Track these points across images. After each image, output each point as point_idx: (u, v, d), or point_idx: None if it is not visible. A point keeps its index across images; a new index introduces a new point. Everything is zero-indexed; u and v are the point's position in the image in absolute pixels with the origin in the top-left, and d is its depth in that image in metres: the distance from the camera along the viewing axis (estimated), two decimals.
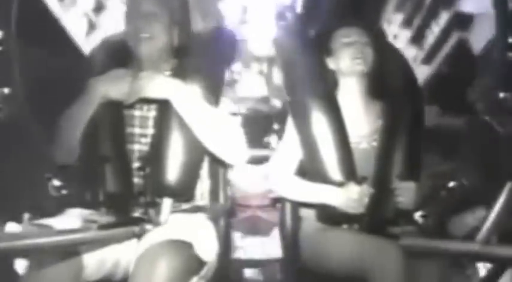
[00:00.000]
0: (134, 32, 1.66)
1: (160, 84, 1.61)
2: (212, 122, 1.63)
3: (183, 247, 1.49)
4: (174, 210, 1.64)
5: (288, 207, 1.96)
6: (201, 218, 1.72)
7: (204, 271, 1.59)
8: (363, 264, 1.57)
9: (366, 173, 1.79)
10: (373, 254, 1.57)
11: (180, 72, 1.68)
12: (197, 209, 1.72)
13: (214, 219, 1.80)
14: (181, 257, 1.47)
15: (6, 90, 2.21)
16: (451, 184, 2.43)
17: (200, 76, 1.68)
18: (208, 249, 1.61)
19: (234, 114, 1.76)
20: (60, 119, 1.68)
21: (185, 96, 1.62)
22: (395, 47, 2.05)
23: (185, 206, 1.71)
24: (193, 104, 1.62)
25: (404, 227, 1.79)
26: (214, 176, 1.82)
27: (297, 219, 1.95)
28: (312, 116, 1.82)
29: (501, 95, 2.27)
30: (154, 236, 1.53)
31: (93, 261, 1.49)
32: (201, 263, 1.57)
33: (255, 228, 2.73)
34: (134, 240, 1.60)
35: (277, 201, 2.00)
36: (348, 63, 1.86)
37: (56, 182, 2.31)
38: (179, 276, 1.43)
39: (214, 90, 1.69)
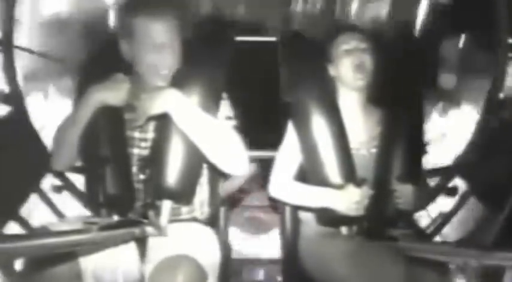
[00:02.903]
0: (152, 68, 1.61)
1: (160, 99, 1.58)
2: (212, 134, 1.61)
3: (193, 260, 1.51)
4: (174, 219, 1.65)
5: (288, 210, 1.96)
6: (202, 228, 1.73)
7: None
8: (362, 271, 1.57)
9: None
10: (371, 261, 1.57)
11: (179, 78, 1.66)
12: (196, 218, 1.74)
13: (214, 220, 1.80)
14: (195, 270, 1.49)
15: (6, 90, 2.21)
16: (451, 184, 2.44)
17: (199, 81, 1.66)
18: (211, 262, 1.61)
19: (230, 118, 1.73)
20: (59, 125, 1.68)
21: (184, 109, 1.59)
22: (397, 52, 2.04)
23: (185, 216, 1.72)
24: (192, 117, 1.60)
25: (403, 229, 1.79)
26: (213, 182, 1.81)
27: (297, 221, 1.96)
28: (313, 120, 1.82)
29: (501, 95, 2.28)
30: (164, 250, 1.54)
31: (91, 268, 1.50)
32: (206, 275, 1.57)
33: (255, 229, 2.73)
34: (133, 250, 1.61)
35: (278, 202, 1.99)
36: (349, 74, 1.85)
37: (56, 182, 2.32)
38: None
39: (214, 95, 1.68)
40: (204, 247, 1.63)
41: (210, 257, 1.61)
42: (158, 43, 1.60)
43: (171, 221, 1.62)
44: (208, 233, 1.72)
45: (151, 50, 1.60)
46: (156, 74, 1.62)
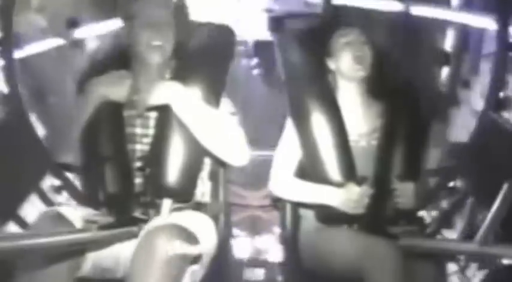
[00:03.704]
0: (145, 41, 1.64)
1: (160, 91, 1.61)
2: (213, 125, 1.63)
3: (182, 230, 1.46)
4: (173, 208, 1.65)
5: (288, 207, 1.97)
6: (201, 215, 1.72)
7: (202, 259, 1.57)
8: (361, 264, 1.57)
9: (364, 171, 1.79)
10: (371, 254, 1.58)
11: (180, 73, 1.68)
12: (196, 207, 1.73)
13: (214, 218, 1.80)
14: (180, 238, 1.42)
15: (6, 90, 2.21)
16: (451, 184, 2.44)
17: (200, 76, 1.68)
18: (206, 236, 1.59)
19: (233, 113, 1.76)
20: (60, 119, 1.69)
21: (185, 100, 1.61)
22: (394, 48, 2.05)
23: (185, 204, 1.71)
24: (193, 108, 1.62)
25: (404, 227, 1.79)
26: (214, 177, 1.82)
27: (297, 218, 1.96)
28: (312, 116, 1.82)
29: (501, 94, 2.28)
30: (153, 223, 1.53)
31: (91, 257, 1.49)
32: (195, 240, 1.52)
33: (255, 228, 2.74)
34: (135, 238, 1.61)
35: (278, 201, 1.99)
36: (348, 66, 1.86)
37: (56, 182, 2.32)
38: (177, 255, 1.40)
39: (215, 91, 1.70)
40: (198, 221, 1.61)
41: (203, 228, 1.57)
42: (153, 21, 1.64)
43: (171, 210, 1.61)
44: (206, 217, 1.70)
45: (148, 27, 1.64)
46: (151, 48, 1.64)
